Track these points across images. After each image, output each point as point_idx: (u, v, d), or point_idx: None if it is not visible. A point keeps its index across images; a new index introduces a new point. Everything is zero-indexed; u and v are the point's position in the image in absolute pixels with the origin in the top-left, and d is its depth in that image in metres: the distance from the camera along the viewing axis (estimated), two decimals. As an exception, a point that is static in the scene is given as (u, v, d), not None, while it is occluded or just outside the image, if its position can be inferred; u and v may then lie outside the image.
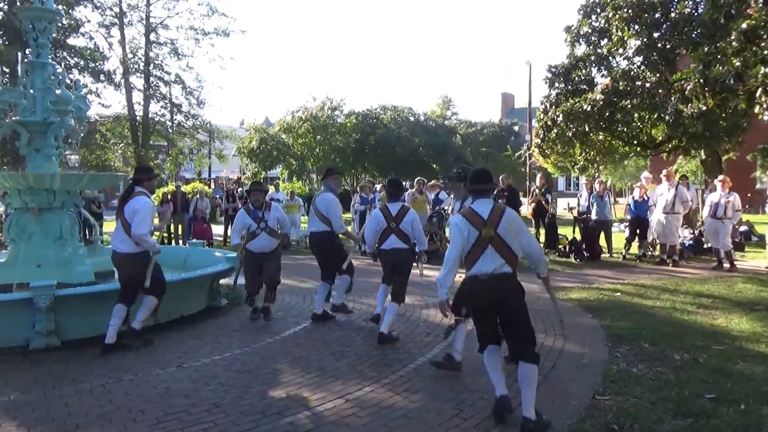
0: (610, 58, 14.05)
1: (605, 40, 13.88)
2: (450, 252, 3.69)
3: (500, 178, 12.57)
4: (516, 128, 42.26)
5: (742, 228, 12.90)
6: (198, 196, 14.59)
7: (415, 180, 12.81)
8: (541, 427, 3.37)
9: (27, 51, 14.68)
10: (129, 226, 5.09)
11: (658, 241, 10.72)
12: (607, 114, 12.86)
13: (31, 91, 7.01)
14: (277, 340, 5.58)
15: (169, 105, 24.35)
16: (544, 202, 11.97)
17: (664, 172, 10.51)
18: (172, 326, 6.08)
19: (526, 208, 13.51)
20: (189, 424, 3.64)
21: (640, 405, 3.76)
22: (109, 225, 21.59)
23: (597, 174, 18.83)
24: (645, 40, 12.64)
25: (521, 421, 3.37)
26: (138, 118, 23.38)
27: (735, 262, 9.58)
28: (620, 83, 12.90)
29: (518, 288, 3.66)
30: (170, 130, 25.10)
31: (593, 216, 11.06)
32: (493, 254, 3.58)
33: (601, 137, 14.31)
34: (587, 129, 13.20)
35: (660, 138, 14.29)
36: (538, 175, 13.35)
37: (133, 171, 5.82)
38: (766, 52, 8.82)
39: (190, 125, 25.15)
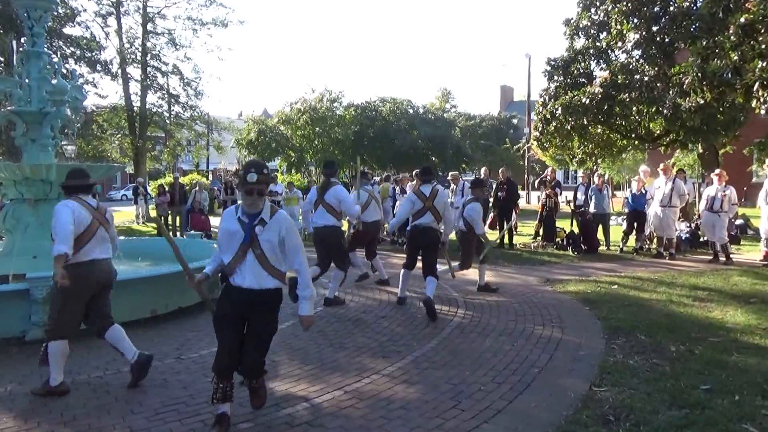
0: (609, 51, 14.05)
1: (604, 33, 13.87)
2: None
3: (500, 171, 12.57)
4: (515, 121, 42.21)
5: (738, 221, 12.94)
6: (197, 188, 14.55)
7: (414, 173, 12.82)
8: None
9: (22, 40, 14.56)
10: None
11: (655, 234, 10.75)
12: (605, 107, 12.88)
13: (27, 80, 6.96)
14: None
15: (166, 96, 24.17)
16: (553, 195, 11.93)
17: (662, 165, 10.52)
18: (170, 318, 6.08)
19: (536, 201, 13.47)
20: (187, 415, 3.64)
21: (636, 396, 3.79)
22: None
23: (595, 167, 18.85)
24: (644, 33, 12.64)
25: None
26: (135, 108, 23.22)
27: (731, 255, 9.63)
28: (619, 76, 12.90)
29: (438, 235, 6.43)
30: (168, 121, 24.93)
31: (591, 209, 11.08)
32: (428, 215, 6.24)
33: (599, 130, 14.35)
34: (586, 122, 13.23)
35: (658, 131, 14.31)
36: (548, 169, 13.31)
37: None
38: (764, 46, 8.82)
39: (187, 116, 24.99)
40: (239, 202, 3.29)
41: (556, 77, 14.57)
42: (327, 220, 6.48)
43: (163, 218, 14.73)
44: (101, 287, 4.20)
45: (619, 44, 13.42)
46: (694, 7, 12.14)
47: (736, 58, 9.20)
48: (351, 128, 31.22)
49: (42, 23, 7.03)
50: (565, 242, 11.25)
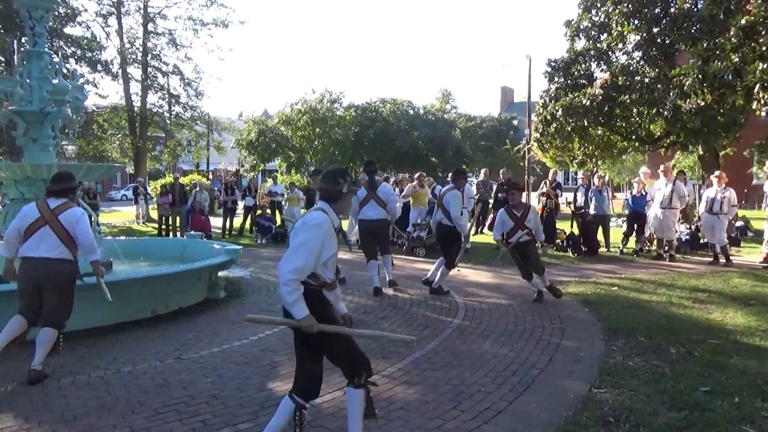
0: (610, 52, 14.06)
1: (605, 34, 13.87)
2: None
3: (500, 172, 12.59)
4: (515, 122, 42.22)
5: (738, 223, 12.95)
6: (197, 188, 14.56)
7: (416, 174, 12.90)
8: None
9: (23, 40, 14.54)
10: None
11: (655, 236, 10.75)
12: (606, 109, 12.88)
13: (28, 80, 6.96)
14: (276, 332, 5.58)
15: (167, 96, 24.13)
16: (554, 197, 11.93)
17: (662, 167, 10.53)
18: (170, 318, 6.09)
19: (536, 202, 13.46)
20: (187, 415, 3.65)
21: (635, 398, 3.79)
22: (105, 216, 21.58)
23: (596, 169, 18.86)
24: (644, 35, 12.64)
25: None
26: (135, 108, 23.18)
27: (731, 257, 9.63)
28: (619, 78, 12.90)
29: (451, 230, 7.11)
30: (168, 122, 24.89)
31: (592, 210, 11.08)
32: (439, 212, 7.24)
33: (599, 132, 14.35)
34: (586, 123, 13.23)
35: (658, 133, 14.32)
36: (551, 171, 13.30)
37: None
38: (764, 48, 8.83)
39: (188, 116, 24.93)
40: (326, 211, 3.03)
41: (556, 78, 14.56)
42: (380, 213, 7.33)
43: (164, 218, 14.72)
44: (38, 285, 4.38)
45: (620, 46, 13.42)
46: (695, 9, 12.15)
47: (736, 59, 9.22)
48: (351, 129, 31.23)
49: (43, 23, 7.03)
50: (565, 244, 11.26)
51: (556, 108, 13.52)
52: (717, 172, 10.14)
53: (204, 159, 32.44)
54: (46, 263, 4.35)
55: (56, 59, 7.48)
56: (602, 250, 11.06)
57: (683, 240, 11.06)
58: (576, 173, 24.04)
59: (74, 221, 4.42)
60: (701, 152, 14.40)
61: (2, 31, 17.32)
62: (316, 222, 2.95)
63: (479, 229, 14.10)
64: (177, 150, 26.60)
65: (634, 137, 14.53)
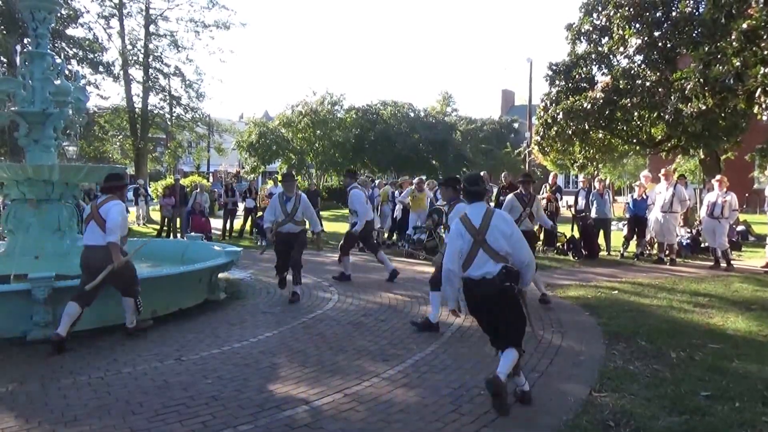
0: (611, 56, 14.05)
1: (606, 38, 13.87)
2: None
3: (502, 175, 12.60)
4: (516, 125, 42.24)
5: (740, 227, 12.95)
6: (197, 190, 14.55)
7: (416, 178, 12.92)
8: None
9: (26, 41, 14.58)
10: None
11: (656, 240, 10.75)
12: (607, 112, 12.88)
13: (30, 81, 6.99)
14: (276, 334, 5.59)
15: (168, 97, 24.13)
16: (554, 200, 11.93)
17: (663, 171, 10.53)
18: (170, 319, 6.08)
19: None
20: (187, 416, 3.65)
21: (636, 402, 3.79)
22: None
23: (596, 172, 18.85)
24: (646, 38, 12.64)
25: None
26: (137, 110, 23.20)
27: (732, 262, 9.62)
28: (620, 82, 12.91)
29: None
30: (169, 123, 24.90)
31: (593, 214, 11.08)
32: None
33: (600, 135, 14.35)
34: (587, 127, 13.23)
35: (659, 137, 14.32)
36: (551, 174, 13.30)
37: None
38: (766, 52, 8.83)
39: (189, 118, 24.93)
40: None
41: (557, 82, 14.57)
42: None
43: (167, 219, 14.73)
44: (84, 268, 5.19)
45: (621, 49, 13.41)
46: (696, 13, 12.16)
47: (738, 63, 9.22)
48: (352, 131, 31.23)
49: (46, 25, 7.06)
50: (565, 247, 11.25)
51: (557, 111, 13.52)
52: (718, 176, 10.14)
53: (204, 160, 32.47)
54: (94, 250, 5.14)
55: (58, 60, 7.50)
56: (603, 253, 11.06)
57: (684, 244, 11.06)
58: (577, 176, 24.01)
59: (107, 210, 5.17)
60: (702, 156, 14.39)
61: (5, 32, 17.36)
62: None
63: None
64: (178, 151, 26.61)
65: (635, 141, 14.53)
